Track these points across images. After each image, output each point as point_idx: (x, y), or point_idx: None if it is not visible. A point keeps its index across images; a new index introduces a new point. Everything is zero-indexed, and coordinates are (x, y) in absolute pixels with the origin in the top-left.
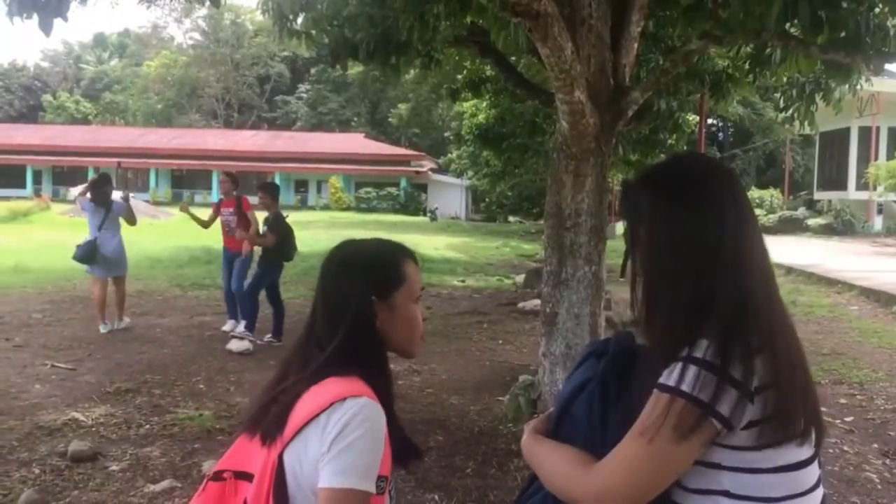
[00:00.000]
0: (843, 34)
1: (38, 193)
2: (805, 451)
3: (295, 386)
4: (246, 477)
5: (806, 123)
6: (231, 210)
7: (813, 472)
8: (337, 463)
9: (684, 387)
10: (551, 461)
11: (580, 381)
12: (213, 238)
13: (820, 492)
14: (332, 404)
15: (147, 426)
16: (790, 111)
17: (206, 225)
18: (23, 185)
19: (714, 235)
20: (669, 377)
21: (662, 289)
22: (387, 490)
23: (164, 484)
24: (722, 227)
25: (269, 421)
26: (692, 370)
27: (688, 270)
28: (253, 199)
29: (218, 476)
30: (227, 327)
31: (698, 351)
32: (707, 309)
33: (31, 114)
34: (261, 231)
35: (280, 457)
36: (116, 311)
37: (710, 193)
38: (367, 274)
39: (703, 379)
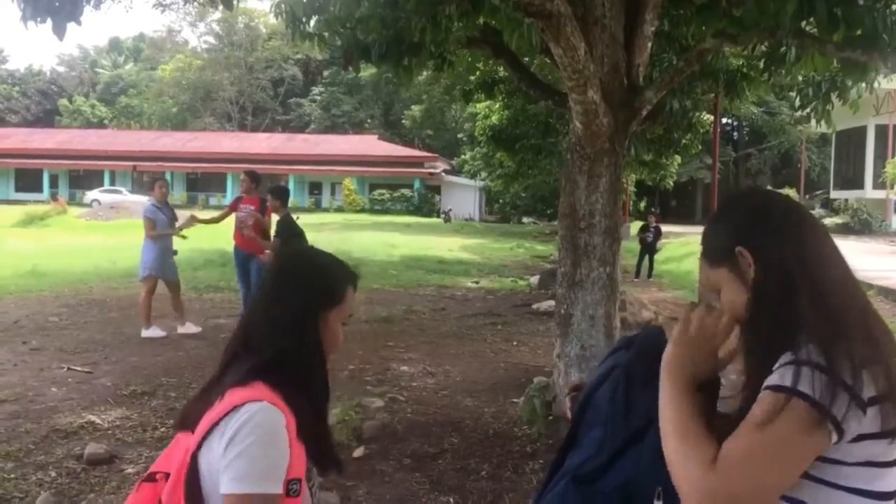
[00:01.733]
0: (859, 32)
1: (54, 197)
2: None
3: (222, 388)
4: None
5: (823, 122)
6: (252, 208)
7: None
8: (232, 469)
9: (802, 387)
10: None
11: (606, 368)
12: (228, 240)
13: None
14: (232, 409)
15: (163, 429)
16: (807, 110)
17: (217, 220)
18: (40, 189)
19: (821, 256)
20: (783, 378)
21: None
22: (301, 492)
23: None
24: (822, 250)
25: (191, 421)
26: (806, 371)
27: (799, 290)
28: None
29: (151, 477)
30: None
31: (804, 354)
32: (822, 311)
33: (47, 118)
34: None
35: (194, 456)
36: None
37: (809, 219)
38: (317, 288)
39: (820, 380)
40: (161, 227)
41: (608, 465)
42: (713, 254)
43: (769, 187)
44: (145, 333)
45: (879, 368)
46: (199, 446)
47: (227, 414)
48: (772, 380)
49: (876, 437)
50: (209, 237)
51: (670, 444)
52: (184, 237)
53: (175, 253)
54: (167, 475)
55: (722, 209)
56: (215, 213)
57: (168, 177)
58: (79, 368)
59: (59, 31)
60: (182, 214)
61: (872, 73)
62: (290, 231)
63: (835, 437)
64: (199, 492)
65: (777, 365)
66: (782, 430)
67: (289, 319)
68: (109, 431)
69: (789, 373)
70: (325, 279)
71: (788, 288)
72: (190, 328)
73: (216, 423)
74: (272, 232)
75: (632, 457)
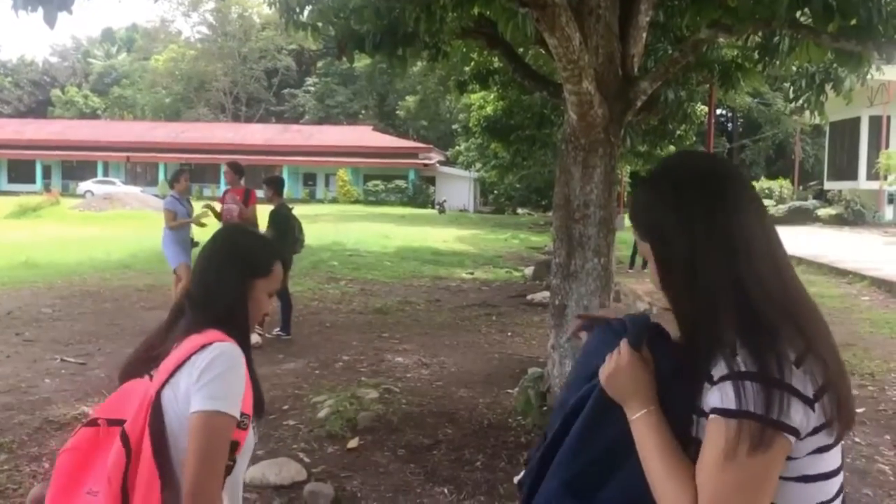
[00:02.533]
0: (854, 22)
1: (47, 188)
2: (839, 454)
3: (174, 339)
4: (118, 423)
5: (816, 113)
6: (237, 198)
7: (840, 476)
8: (206, 391)
9: (749, 407)
10: (658, 466)
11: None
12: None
13: (841, 497)
14: (201, 347)
15: None
16: (800, 101)
17: (219, 217)
18: (32, 180)
19: (747, 232)
20: (728, 399)
21: (701, 285)
22: (249, 427)
23: None
24: (750, 222)
25: (137, 370)
26: (750, 387)
27: (723, 270)
28: (259, 194)
29: (93, 422)
30: None
31: (747, 363)
32: (743, 307)
33: (39, 109)
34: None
35: (158, 394)
36: None
37: (736, 191)
38: (246, 260)
39: (763, 392)
40: (181, 219)
41: (608, 473)
42: (637, 229)
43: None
44: None
45: (815, 360)
46: (163, 385)
47: (195, 352)
48: (715, 401)
49: (823, 427)
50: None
51: (652, 483)
52: (203, 225)
53: (196, 244)
54: (109, 421)
55: (647, 180)
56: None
57: (162, 168)
58: (72, 360)
59: (51, 20)
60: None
61: (867, 64)
62: (285, 221)
63: (793, 440)
64: (163, 424)
65: (715, 376)
66: (747, 460)
67: (224, 284)
68: None
69: (730, 392)
70: (253, 253)
71: (701, 280)
72: None
73: (183, 363)
74: (264, 221)
75: (634, 468)
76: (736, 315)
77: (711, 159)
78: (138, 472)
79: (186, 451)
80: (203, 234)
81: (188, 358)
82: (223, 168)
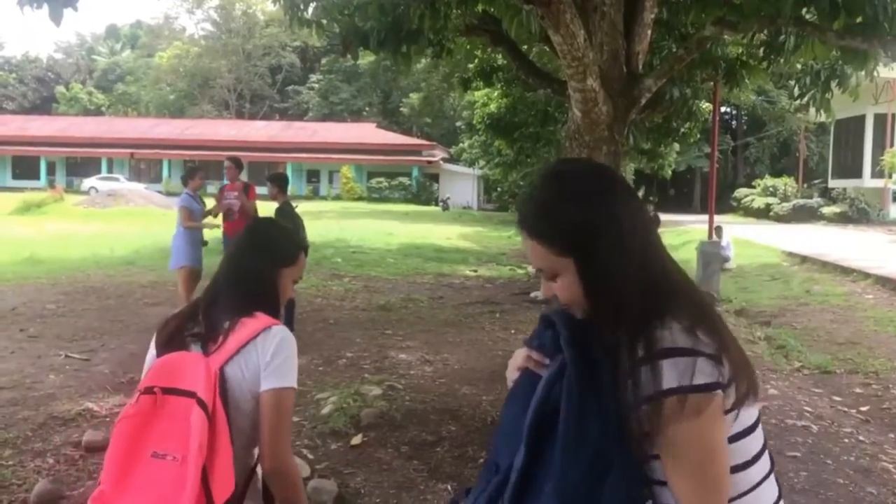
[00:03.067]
0: (859, 19)
1: (51, 185)
2: (754, 412)
3: (228, 317)
4: (172, 392)
5: (822, 111)
6: (235, 194)
7: (759, 435)
8: (280, 370)
9: (686, 381)
10: None
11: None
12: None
13: (767, 457)
14: (264, 330)
15: None
16: (805, 98)
17: (215, 214)
18: (37, 177)
19: (643, 223)
20: (662, 380)
21: (617, 277)
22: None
23: None
24: (645, 217)
25: (188, 341)
26: (679, 362)
27: (634, 258)
28: (262, 190)
29: (148, 390)
30: None
31: (662, 341)
32: (649, 291)
33: (44, 105)
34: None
35: (221, 370)
36: None
37: (626, 184)
38: (276, 248)
39: (691, 365)
40: (196, 218)
41: (603, 477)
42: (558, 236)
43: (767, 175)
44: None
45: (708, 325)
46: (227, 361)
47: (259, 334)
48: (655, 384)
49: (730, 386)
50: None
51: None
52: (218, 226)
53: (205, 243)
54: (164, 389)
55: (555, 184)
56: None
57: (166, 164)
58: (76, 356)
59: (56, 17)
60: (175, 201)
61: (873, 62)
62: (289, 219)
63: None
64: (229, 395)
65: (650, 355)
66: (704, 429)
67: (258, 272)
68: (107, 419)
69: (665, 370)
70: (281, 244)
71: (630, 268)
72: None
73: (247, 343)
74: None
75: (624, 462)
76: (654, 296)
77: (593, 161)
78: (215, 438)
79: (245, 419)
80: (209, 233)
81: (252, 339)
82: (225, 163)
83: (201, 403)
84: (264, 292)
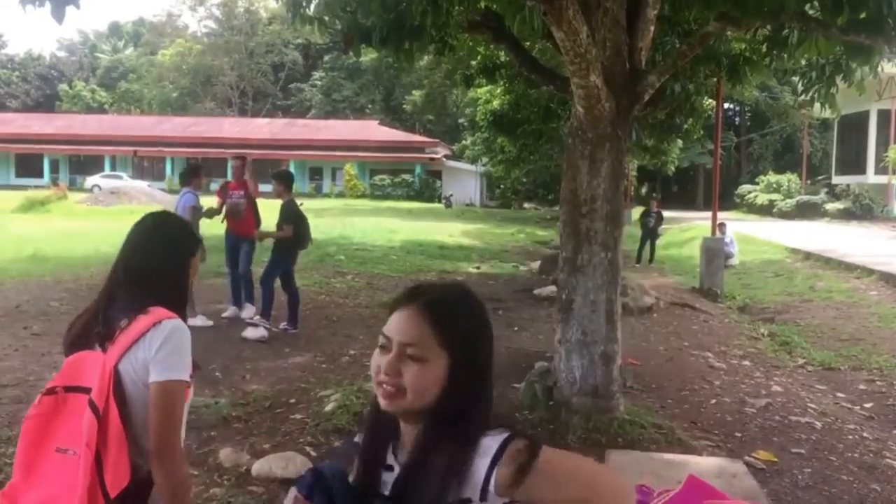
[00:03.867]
0: (863, 15)
1: (55, 182)
2: None
3: (116, 317)
4: (74, 390)
5: (826, 106)
6: (241, 193)
7: None
8: (164, 363)
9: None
10: None
11: None
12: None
13: None
14: (153, 325)
15: None
16: (810, 93)
17: (218, 212)
18: (40, 175)
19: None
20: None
21: (479, 393)
22: (191, 386)
23: None
24: None
25: (93, 341)
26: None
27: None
28: (266, 188)
29: (50, 391)
30: (228, 314)
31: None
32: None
33: (47, 103)
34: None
35: (115, 367)
36: None
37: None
38: (182, 240)
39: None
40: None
41: None
42: (443, 329)
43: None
44: (192, 322)
45: None
46: (119, 358)
47: (148, 329)
48: (496, 448)
49: None
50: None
51: None
52: (222, 222)
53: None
54: (65, 388)
55: (448, 302)
56: (214, 205)
57: (169, 162)
58: None
59: (58, 15)
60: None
61: (877, 57)
62: (295, 216)
63: None
64: (124, 391)
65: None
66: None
67: (163, 264)
68: None
69: (499, 440)
70: (184, 235)
71: (486, 379)
72: (202, 321)
73: (137, 339)
74: (266, 214)
75: None
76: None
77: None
78: (108, 434)
79: (145, 413)
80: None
81: (142, 335)
82: (234, 162)
83: (91, 403)
84: (168, 286)
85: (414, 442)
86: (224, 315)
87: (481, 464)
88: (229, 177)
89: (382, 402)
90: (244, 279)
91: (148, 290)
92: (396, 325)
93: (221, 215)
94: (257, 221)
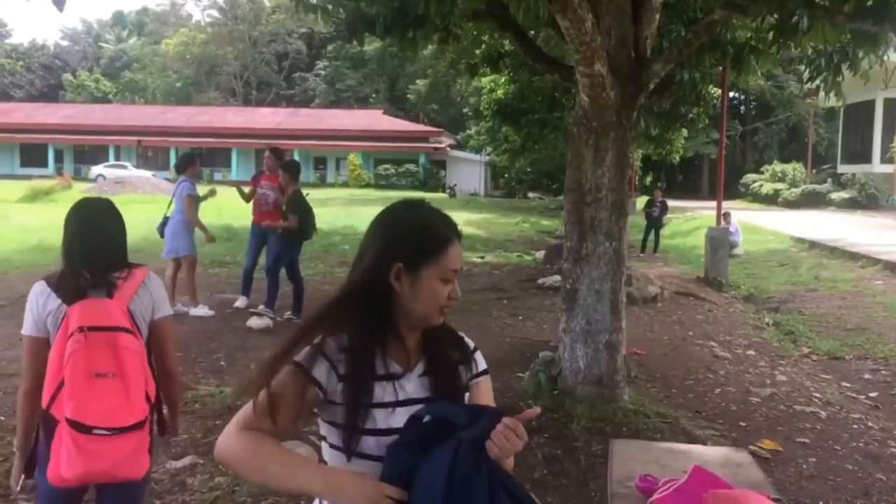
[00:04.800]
0: (870, 2)
1: (59, 172)
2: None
3: (113, 270)
4: (95, 329)
5: (833, 94)
6: (271, 185)
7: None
8: (165, 302)
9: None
10: None
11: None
12: (233, 215)
13: None
14: (146, 275)
15: None
16: (817, 81)
17: (248, 199)
18: (45, 164)
19: None
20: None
21: None
22: None
23: (186, 460)
24: None
25: (86, 292)
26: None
27: None
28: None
29: (80, 329)
30: (239, 303)
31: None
32: None
33: (51, 93)
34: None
35: (128, 307)
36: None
37: None
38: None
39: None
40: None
41: None
42: None
43: (776, 161)
44: (194, 312)
45: None
46: (130, 300)
47: (146, 277)
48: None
49: None
50: (216, 212)
51: None
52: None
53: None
54: (89, 328)
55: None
56: (245, 190)
57: (173, 152)
58: None
59: (59, 3)
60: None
61: (883, 45)
62: (301, 206)
63: None
64: (135, 320)
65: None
66: None
67: (121, 244)
68: None
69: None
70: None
71: None
72: (203, 310)
73: (141, 284)
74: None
75: None
76: None
77: None
78: (142, 358)
79: (155, 343)
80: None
81: (142, 283)
82: (265, 153)
83: (129, 331)
84: (125, 250)
85: (426, 344)
86: (236, 304)
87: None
88: (234, 166)
89: (439, 320)
90: (268, 274)
91: (119, 253)
92: (458, 256)
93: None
94: (282, 216)
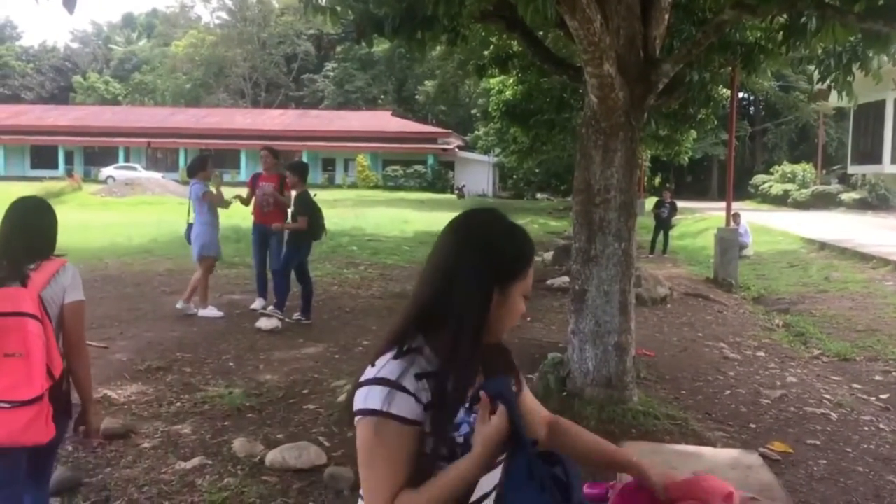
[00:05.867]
0: (881, 2)
1: (69, 174)
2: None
3: (29, 262)
4: (6, 315)
5: (844, 94)
6: (272, 185)
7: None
8: (76, 289)
9: None
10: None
11: None
12: (242, 216)
13: None
14: (61, 266)
15: (178, 404)
16: (828, 81)
17: (247, 202)
18: (55, 166)
19: None
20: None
21: None
22: None
23: (195, 461)
24: None
25: (26, 279)
26: None
27: None
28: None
29: None
30: (256, 305)
31: None
32: None
33: (61, 95)
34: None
35: (40, 295)
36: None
37: None
38: (53, 213)
39: None
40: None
41: None
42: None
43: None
44: (202, 313)
45: None
46: (42, 288)
47: (59, 268)
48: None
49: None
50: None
51: None
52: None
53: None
54: (2, 314)
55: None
56: (243, 194)
57: (182, 153)
58: (95, 344)
59: (70, 5)
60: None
61: (894, 45)
62: (309, 207)
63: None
64: (45, 307)
65: None
66: None
67: (46, 229)
68: (125, 406)
69: None
70: (52, 225)
71: None
72: (212, 311)
73: (54, 275)
74: (290, 208)
75: None
76: None
77: None
78: (47, 337)
79: (57, 323)
80: (224, 221)
81: (55, 273)
82: (261, 152)
83: (35, 318)
84: (50, 244)
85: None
86: (252, 306)
87: None
88: (243, 168)
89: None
90: (276, 273)
91: (39, 246)
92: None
93: (250, 205)
94: (285, 214)
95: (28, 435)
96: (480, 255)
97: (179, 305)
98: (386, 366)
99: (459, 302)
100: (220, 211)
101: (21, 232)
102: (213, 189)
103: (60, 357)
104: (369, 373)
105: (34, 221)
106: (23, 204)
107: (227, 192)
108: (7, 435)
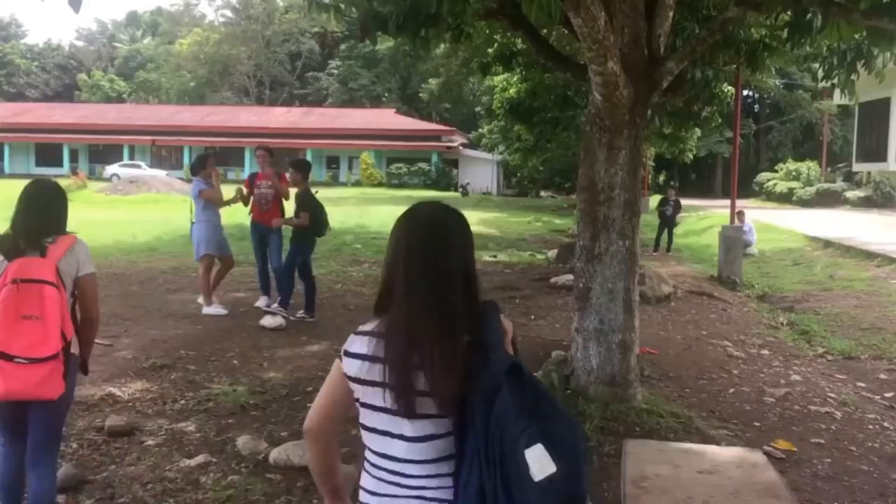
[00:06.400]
0: None
1: (74, 172)
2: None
3: (46, 235)
4: (26, 281)
5: (846, 93)
6: (268, 183)
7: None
8: (90, 262)
9: None
10: None
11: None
12: (245, 214)
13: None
14: (76, 241)
15: (182, 401)
16: (831, 80)
17: (246, 202)
18: (60, 164)
19: None
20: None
21: None
22: None
23: (199, 458)
24: None
25: (24, 252)
26: None
27: None
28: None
29: (14, 281)
30: (260, 303)
31: None
32: None
33: (66, 93)
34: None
35: (57, 265)
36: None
37: None
38: (64, 198)
39: None
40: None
41: None
42: None
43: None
44: (206, 311)
45: None
46: (59, 260)
47: (74, 244)
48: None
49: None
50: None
51: None
52: (250, 213)
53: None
54: (23, 280)
55: None
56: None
57: (187, 151)
58: (99, 341)
59: (75, 4)
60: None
61: None
62: (312, 205)
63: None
64: (61, 276)
65: None
66: None
67: (61, 219)
68: (130, 403)
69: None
70: (63, 194)
71: None
72: (215, 309)
73: (69, 248)
74: (292, 206)
75: None
76: None
77: None
78: (62, 303)
79: (70, 292)
80: (228, 219)
81: (71, 247)
82: (257, 151)
83: (53, 284)
84: (63, 221)
85: None
86: (256, 304)
87: None
88: (247, 165)
89: None
90: (277, 270)
91: (55, 224)
92: None
93: (249, 206)
94: (281, 212)
95: (41, 389)
96: (468, 232)
97: (204, 311)
98: None
99: (474, 269)
100: (223, 209)
101: (38, 209)
102: (213, 183)
103: (71, 322)
104: None
105: (50, 200)
106: (38, 185)
107: (228, 192)
108: (24, 388)
